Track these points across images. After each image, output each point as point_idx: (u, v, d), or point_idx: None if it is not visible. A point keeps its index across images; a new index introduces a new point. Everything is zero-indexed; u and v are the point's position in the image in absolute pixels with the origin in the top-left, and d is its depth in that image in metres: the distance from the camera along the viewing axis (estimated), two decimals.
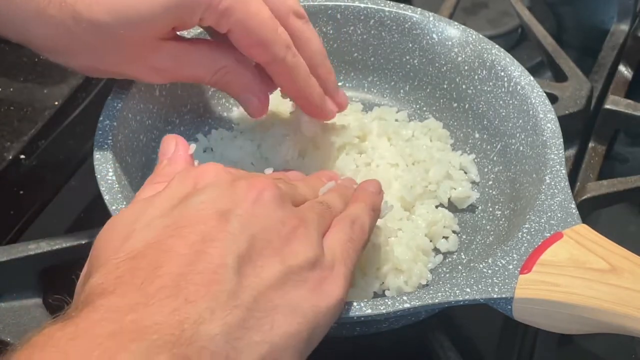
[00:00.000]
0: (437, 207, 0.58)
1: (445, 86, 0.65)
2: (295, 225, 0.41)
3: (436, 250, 0.56)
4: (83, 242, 0.55)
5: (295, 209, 0.42)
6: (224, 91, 0.57)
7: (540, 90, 0.59)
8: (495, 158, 0.61)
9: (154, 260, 0.36)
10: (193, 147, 0.49)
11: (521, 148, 0.58)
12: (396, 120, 0.64)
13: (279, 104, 0.61)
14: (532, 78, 0.60)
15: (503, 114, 0.60)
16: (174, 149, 0.48)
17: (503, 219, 0.57)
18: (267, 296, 0.37)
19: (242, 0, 0.50)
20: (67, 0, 0.48)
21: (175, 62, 0.53)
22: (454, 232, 0.57)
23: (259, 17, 0.51)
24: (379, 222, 0.53)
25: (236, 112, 0.64)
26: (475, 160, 0.62)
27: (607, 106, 0.69)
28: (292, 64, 0.53)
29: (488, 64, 0.61)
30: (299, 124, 0.58)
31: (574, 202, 0.51)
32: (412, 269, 0.52)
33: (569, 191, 0.51)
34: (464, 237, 0.58)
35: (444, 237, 0.57)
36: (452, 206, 0.59)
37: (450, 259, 0.56)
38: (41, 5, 0.49)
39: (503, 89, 0.60)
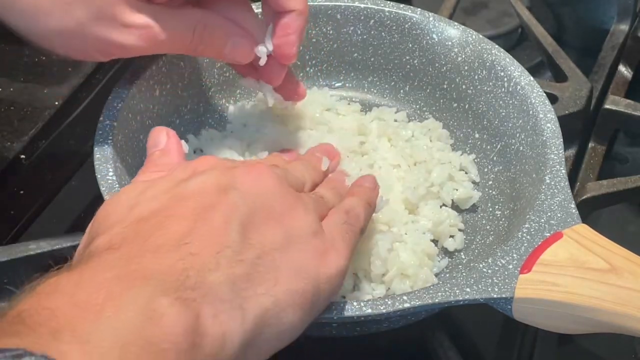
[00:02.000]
0: (440, 206, 0.58)
1: (445, 86, 0.65)
2: (294, 201, 0.42)
3: (443, 251, 0.56)
4: None
5: (293, 190, 0.43)
6: (209, 50, 0.54)
7: (540, 90, 0.59)
8: (495, 158, 0.61)
9: (158, 223, 0.37)
10: (186, 146, 0.50)
11: (521, 148, 0.58)
12: (395, 120, 0.64)
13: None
14: (532, 78, 0.60)
15: (503, 114, 0.60)
16: (166, 140, 0.48)
17: (503, 219, 0.57)
18: (271, 256, 0.38)
19: None
20: None
21: (152, 20, 0.50)
22: (459, 230, 0.57)
23: None
24: (384, 227, 0.53)
25: (231, 111, 0.64)
26: (475, 160, 0.62)
27: (607, 106, 0.69)
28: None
29: (488, 64, 0.61)
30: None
31: (573, 202, 0.50)
32: (418, 274, 0.52)
33: (569, 191, 0.51)
34: (464, 237, 0.58)
35: (450, 236, 0.57)
36: (453, 206, 0.59)
37: (451, 259, 0.56)
38: None
39: (503, 89, 0.60)
